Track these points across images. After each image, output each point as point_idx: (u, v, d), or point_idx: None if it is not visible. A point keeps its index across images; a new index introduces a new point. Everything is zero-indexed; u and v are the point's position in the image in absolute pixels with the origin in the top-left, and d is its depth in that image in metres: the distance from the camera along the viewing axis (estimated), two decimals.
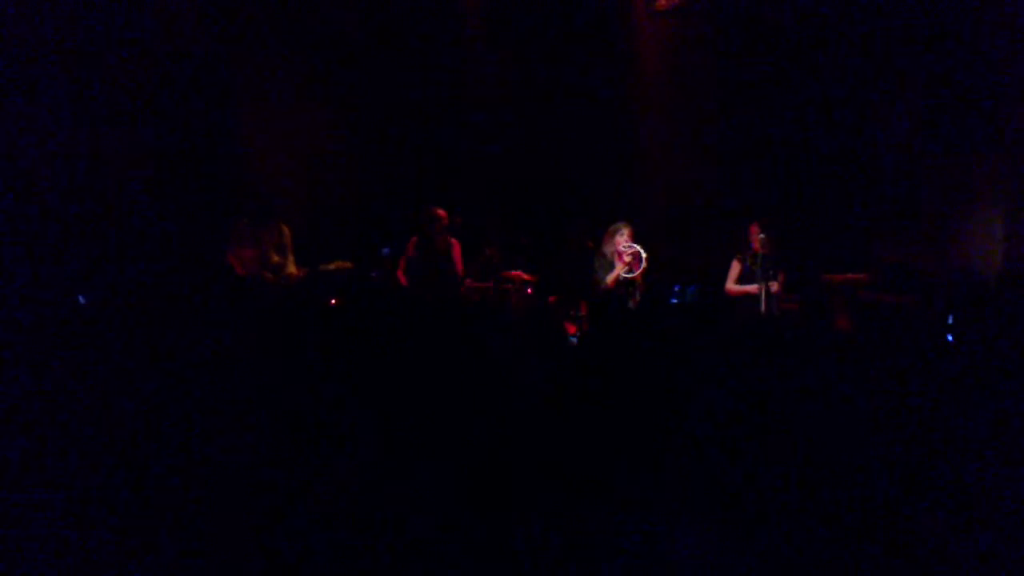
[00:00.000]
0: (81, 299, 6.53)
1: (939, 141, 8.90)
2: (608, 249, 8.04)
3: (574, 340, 7.00)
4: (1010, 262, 8.39)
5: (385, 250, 8.41)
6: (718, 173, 9.72)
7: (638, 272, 7.89)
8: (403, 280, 8.29)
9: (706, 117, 9.80)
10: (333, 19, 9.68)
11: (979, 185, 8.82)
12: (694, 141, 9.86)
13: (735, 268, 8.00)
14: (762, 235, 7.75)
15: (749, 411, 3.50)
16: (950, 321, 5.80)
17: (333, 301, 7.86)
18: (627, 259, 7.87)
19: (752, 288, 7.78)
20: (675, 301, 8.29)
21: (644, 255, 7.85)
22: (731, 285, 8.00)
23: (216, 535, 2.99)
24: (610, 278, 7.93)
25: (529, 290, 8.68)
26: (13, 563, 2.86)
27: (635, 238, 7.93)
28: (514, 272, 8.79)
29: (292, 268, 7.90)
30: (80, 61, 8.05)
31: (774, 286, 7.70)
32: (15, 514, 3.00)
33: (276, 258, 7.81)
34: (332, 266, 8.01)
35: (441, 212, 8.32)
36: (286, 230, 7.97)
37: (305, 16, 9.56)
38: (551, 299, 8.46)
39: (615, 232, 7.99)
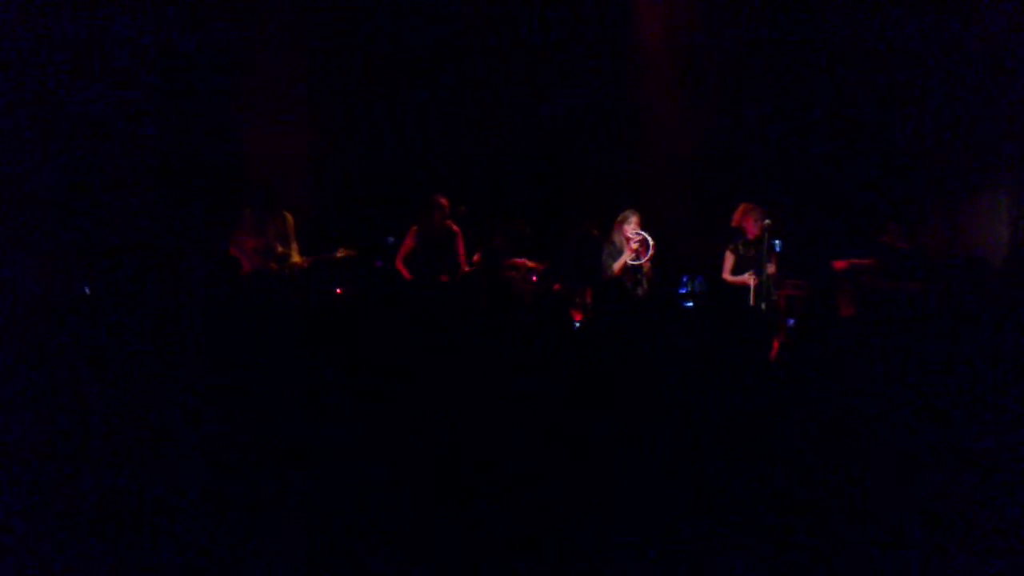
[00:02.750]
0: (87, 289, 6.54)
1: (945, 126, 8.86)
2: (617, 238, 8.08)
3: (578, 325, 7.00)
4: (1016, 246, 8.37)
5: (390, 239, 8.40)
6: (725, 159, 9.68)
7: (645, 259, 7.89)
8: (403, 270, 8.23)
9: (712, 104, 9.75)
10: (338, 10, 9.65)
11: (985, 169, 8.79)
12: (700, 129, 9.82)
13: (729, 259, 7.95)
14: (768, 220, 7.72)
15: (750, 400, 3.50)
16: (956, 308, 5.78)
17: (338, 290, 7.86)
18: (635, 246, 7.89)
19: (747, 278, 7.75)
20: (683, 291, 8.29)
21: (651, 242, 7.87)
22: (727, 275, 7.96)
23: (219, 527, 3.00)
24: (616, 265, 7.94)
25: (535, 278, 8.67)
26: (16, 559, 2.88)
27: (643, 226, 7.96)
28: (519, 260, 8.78)
29: (296, 257, 7.89)
30: (84, 55, 8.04)
31: (771, 268, 7.69)
32: (17, 509, 3.02)
33: (280, 248, 7.80)
34: (338, 254, 7.99)
35: (443, 200, 8.27)
36: (290, 219, 7.96)
37: (310, 7, 9.53)
38: (557, 286, 8.46)
39: (623, 220, 8.04)
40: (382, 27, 9.81)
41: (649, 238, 7.90)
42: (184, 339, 4.51)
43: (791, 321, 7.13)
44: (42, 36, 7.73)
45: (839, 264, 8.25)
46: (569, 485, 3.14)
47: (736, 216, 7.94)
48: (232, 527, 3.03)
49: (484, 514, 3.06)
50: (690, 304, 8.11)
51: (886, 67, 9.01)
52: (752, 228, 7.82)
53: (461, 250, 8.35)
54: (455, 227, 8.33)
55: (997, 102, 8.62)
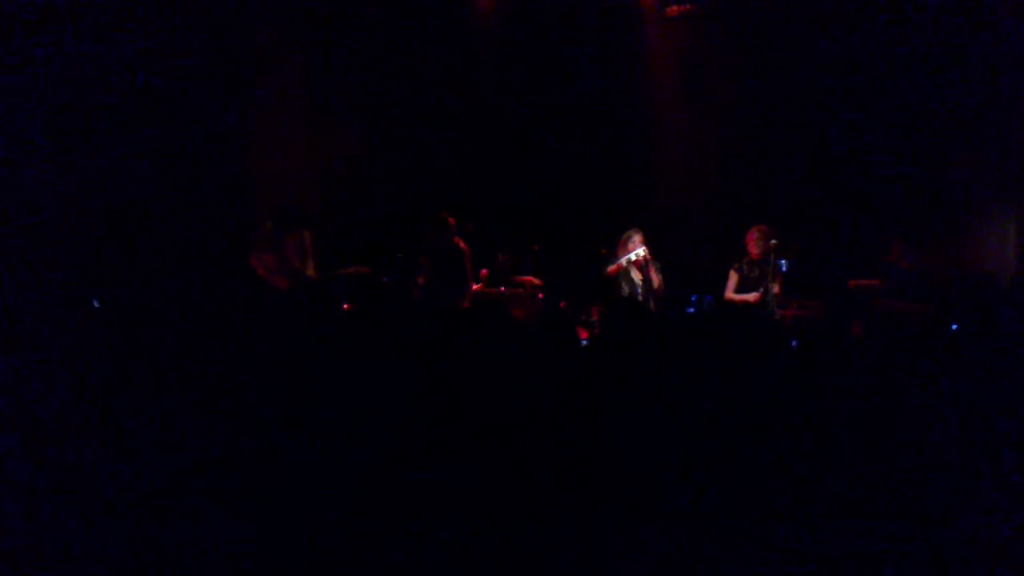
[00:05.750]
0: (95, 303, 6.56)
1: (952, 144, 8.88)
2: (622, 256, 8.12)
3: (585, 343, 7.02)
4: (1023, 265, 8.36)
5: (398, 255, 8.43)
6: (731, 179, 9.71)
7: (641, 258, 7.93)
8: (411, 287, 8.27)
9: (718, 123, 9.79)
10: (354, 28, 9.73)
11: (992, 189, 8.79)
12: (706, 147, 9.86)
13: (733, 278, 7.98)
14: (774, 240, 7.74)
15: (756, 417, 3.51)
16: (954, 327, 5.78)
17: (346, 306, 7.89)
18: (634, 259, 7.95)
19: (750, 296, 7.77)
20: (692, 310, 8.30)
21: (646, 253, 7.94)
22: (730, 294, 7.98)
23: (221, 537, 3.02)
24: (610, 267, 8.00)
25: (541, 295, 8.70)
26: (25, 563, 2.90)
27: (648, 244, 8.01)
28: (526, 277, 8.81)
29: (311, 272, 7.95)
30: (99, 64, 8.09)
31: (775, 288, 7.71)
32: (22, 518, 3.04)
33: (297, 262, 7.86)
34: (349, 270, 8.04)
35: (450, 218, 8.31)
36: (307, 235, 8.01)
37: (327, 25, 9.61)
38: (562, 304, 8.49)
39: (627, 240, 8.07)
40: (398, 47, 9.89)
41: (645, 253, 7.95)
42: (198, 348, 4.53)
43: (794, 342, 7.13)
44: (58, 47, 7.76)
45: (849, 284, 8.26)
46: (576, 500, 3.15)
47: (747, 238, 7.99)
48: (233, 530, 3.05)
49: (490, 528, 3.08)
50: (691, 310, 8.14)
51: (893, 87, 9.03)
52: (754, 248, 7.85)
53: (468, 268, 8.38)
54: (463, 245, 8.36)
55: (1004, 120, 8.63)
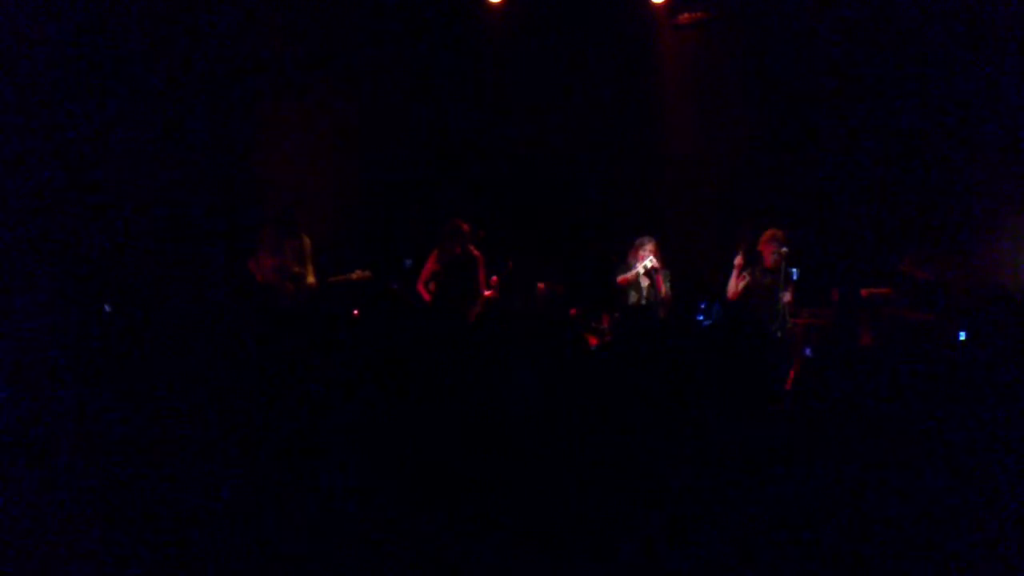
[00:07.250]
0: (107, 307, 6.58)
1: (968, 154, 8.83)
2: (633, 262, 8.12)
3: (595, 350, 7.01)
4: None
5: (407, 262, 8.44)
6: (742, 186, 9.70)
7: (653, 267, 7.93)
8: (424, 293, 8.28)
9: (729, 130, 9.77)
10: (360, 32, 9.75)
11: (1007, 199, 8.74)
12: (717, 154, 9.85)
13: (735, 275, 7.99)
14: (784, 248, 7.73)
15: (764, 429, 3.50)
16: (962, 337, 5.76)
17: (355, 312, 7.90)
18: (641, 269, 7.96)
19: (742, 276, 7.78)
20: (700, 317, 8.29)
21: (655, 263, 7.94)
22: (733, 288, 7.98)
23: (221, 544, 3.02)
24: (623, 277, 8.00)
25: (551, 303, 8.69)
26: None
27: (661, 252, 8.00)
28: (537, 284, 8.81)
29: (311, 278, 7.93)
30: (114, 69, 8.12)
31: (786, 296, 7.69)
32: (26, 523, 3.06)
33: (296, 268, 7.84)
34: (353, 276, 8.02)
35: (464, 225, 8.32)
36: (307, 241, 8.00)
37: (332, 29, 9.62)
38: (572, 311, 8.48)
39: (639, 246, 8.07)
40: (407, 53, 9.91)
41: (655, 262, 7.95)
42: (198, 354, 4.54)
43: (808, 351, 7.11)
44: (62, 48, 7.77)
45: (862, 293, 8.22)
46: (581, 507, 3.14)
47: (761, 241, 7.98)
48: (236, 530, 3.06)
49: (495, 537, 3.07)
50: (707, 321, 8.12)
51: (908, 93, 8.99)
52: (768, 256, 7.83)
53: (481, 275, 8.38)
54: (476, 252, 8.37)
55: (1021, 129, 8.58)
